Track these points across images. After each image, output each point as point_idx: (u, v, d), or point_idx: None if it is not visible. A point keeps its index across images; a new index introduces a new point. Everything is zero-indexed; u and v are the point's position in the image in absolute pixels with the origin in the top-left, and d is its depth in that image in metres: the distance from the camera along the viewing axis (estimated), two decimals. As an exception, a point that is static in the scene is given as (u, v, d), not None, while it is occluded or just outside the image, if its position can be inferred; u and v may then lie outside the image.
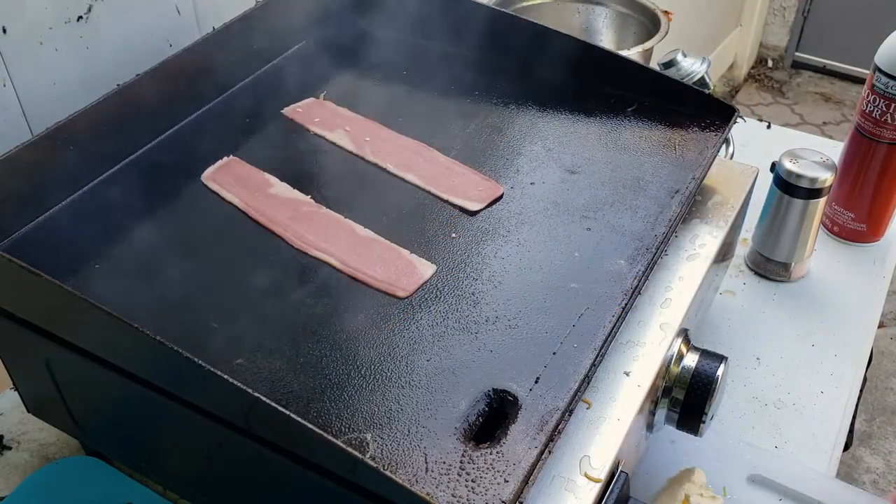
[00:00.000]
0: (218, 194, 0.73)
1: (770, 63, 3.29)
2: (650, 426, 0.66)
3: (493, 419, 0.55)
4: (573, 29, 1.28)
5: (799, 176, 0.88)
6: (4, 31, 0.72)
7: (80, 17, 0.78)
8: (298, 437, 0.51)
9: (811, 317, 0.93)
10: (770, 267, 0.96)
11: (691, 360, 0.65)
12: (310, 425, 0.48)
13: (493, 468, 0.51)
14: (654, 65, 1.03)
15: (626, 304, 0.62)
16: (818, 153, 0.90)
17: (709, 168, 0.75)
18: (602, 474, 0.55)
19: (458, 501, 0.50)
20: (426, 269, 0.66)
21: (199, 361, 0.50)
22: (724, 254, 0.77)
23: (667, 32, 1.15)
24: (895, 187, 0.97)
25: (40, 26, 0.75)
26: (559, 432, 0.53)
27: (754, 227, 0.96)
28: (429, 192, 0.74)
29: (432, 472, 0.51)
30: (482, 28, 0.88)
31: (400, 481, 0.47)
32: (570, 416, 0.55)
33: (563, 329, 0.61)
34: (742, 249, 0.99)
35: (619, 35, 1.27)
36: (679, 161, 0.76)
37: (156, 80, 0.76)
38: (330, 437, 0.48)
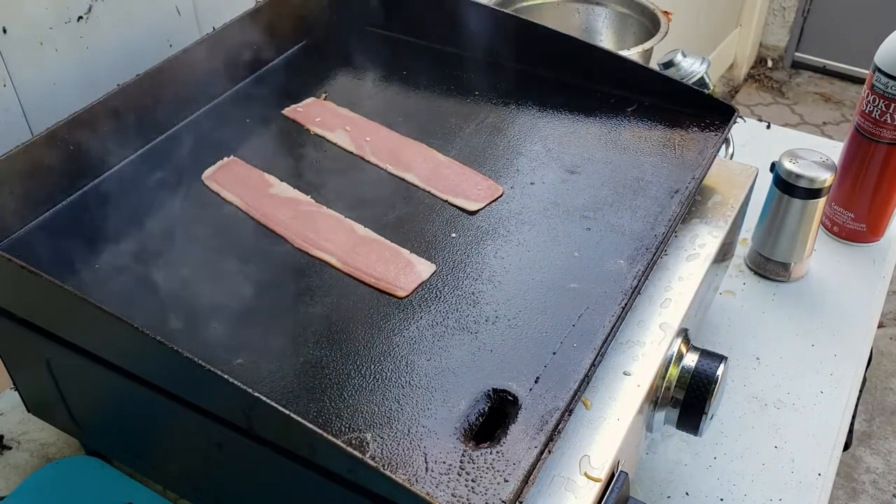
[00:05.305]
0: (218, 194, 0.73)
1: (770, 63, 3.29)
2: (650, 426, 0.66)
3: (493, 419, 0.55)
4: (573, 29, 1.28)
5: (798, 176, 0.88)
6: (4, 31, 0.72)
7: (80, 17, 0.78)
8: (298, 436, 0.51)
9: (811, 317, 0.93)
10: (770, 267, 0.96)
11: (691, 359, 0.65)
12: (310, 425, 0.48)
13: (493, 468, 0.51)
14: (653, 65, 1.03)
15: (625, 304, 0.62)
16: (818, 153, 0.90)
17: (709, 168, 0.75)
18: (602, 474, 0.55)
19: (458, 501, 0.50)
20: (426, 268, 0.66)
21: (199, 361, 0.50)
22: (724, 254, 0.77)
23: (666, 32, 1.15)
24: (895, 187, 0.97)
25: (40, 26, 0.75)
26: (559, 432, 0.53)
27: (754, 227, 0.96)
28: (429, 192, 0.74)
29: (432, 471, 0.51)
30: (482, 28, 0.88)
31: (400, 481, 0.47)
32: (570, 416, 0.55)
33: (562, 329, 0.61)
34: (742, 249, 0.99)
35: (619, 35, 1.27)
36: (679, 161, 0.76)
37: (156, 80, 0.76)
38: (330, 437, 0.48)
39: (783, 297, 0.95)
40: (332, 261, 0.67)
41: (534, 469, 0.51)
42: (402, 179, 0.75)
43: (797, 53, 3.24)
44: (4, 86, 0.74)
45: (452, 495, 0.50)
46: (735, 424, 0.81)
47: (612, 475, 0.56)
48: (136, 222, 0.70)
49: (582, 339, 0.60)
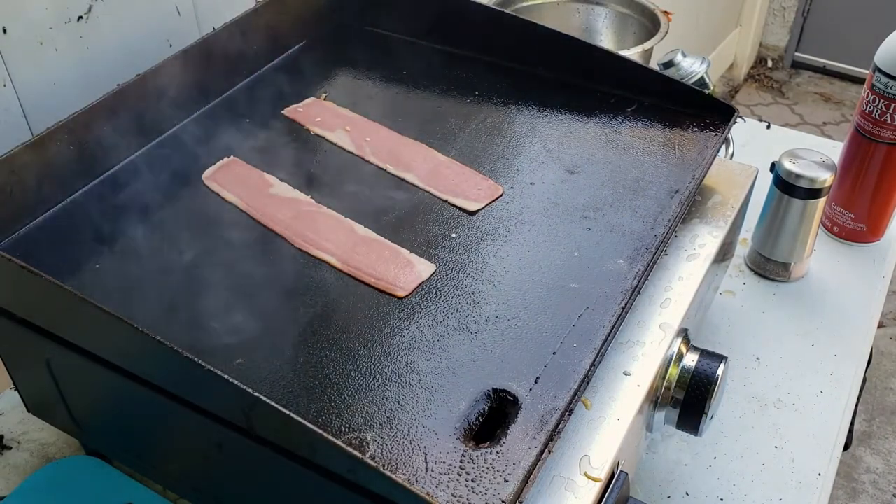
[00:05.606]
0: (218, 194, 0.73)
1: (770, 63, 3.29)
2: (650, 426, 0.66)
3: (493, 419, 0.55)
4: (573, 29, 1.28)
5: (798, 176, 0.88)
6: (4, 31, 0.72)
7: (80, 17, 0.78)
8: (298, 436, 0.51)
9: (811, 317, 0.93)
10: (770, 267, 0.96)
11: (691, 360, 0.65)
12: (310, 425, 0.48)
13: (493, 468, 0.51)
14: (653, 65, 1.03)
15: (625, 304, 0.62)
16: (818, 153, 0.90)
17: (709, 168, 0.75)
18: (602, 474, 0.55)
19: (458, 501, 0.50)
20: (425, 268, 0.66)
21: (199, 361, 0.50)
22: (724, 254, 0.77)
23: (666, 32, 1.15)
24: (895, 187, 0.97)
25: (40, 26, 0.75)
26: (559, 432, 0.53)
27: (754, 227, 0.96)
28: (429, 192, 0.74)
29: (432, 471, 0.51)
30: (482, 28, 0.88)
31: (400, 481, 0.47)
32: (570, 415, 0.55)
33: (562, 329, 0.61)
34: (742, 249, 0.99)
35: (619, 35, 1.27)
36: (679, 161, 0.76)
37: (156, 80, 0.76)
38: (330, 437, 0.48)
39: (783, 297, 0.95)
40: (332, 261, 0.67)
41: (534, 469, 0.51)
42: (402, 179, 0.75)
43: (797, 53, 3.24)
44: (4, 86, 0.74)
45: (452, 495, 0.50)
46: (735, 424, 0.81)
47: (612, 475, 0.56)
48: (136, 222, 0.70)
49: (582, 339, 0.60)
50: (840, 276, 0.98)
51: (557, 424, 0.54)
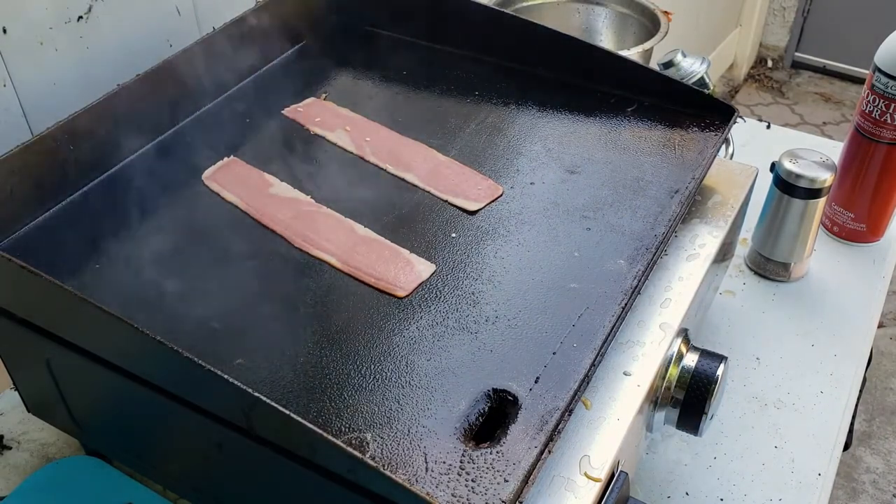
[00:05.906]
0: (218, 194, 0.73)
1: (770, 63, 3.29)
2: (650, 426, 0.66)
3: (493, 419, 0.55)
4: (573, 29, 1.28)
5: (798, 176, 0.88)
6: (4, 31, 0.72)
7: (80, 17, 0.78)
8: (298, 436, 0.51)
9: (811, 317, 0.93)
10: (770, 267, 0.96)
11: (691, 359, 0.65)
12: (310, 425, 0.48)
13: (493, 468, 0.51)
14: (653, 65, 1.03)
15: (625, 304, 0.62)
16: (818, 153, 0.90)
17: (708, 168, 0.75)
18: (602, 474, 0.55)
19: (458, 501, 0.50)
20: (425, 268, 0.66)
21: (200, 361, 0.50)
22: (724, 254, 0.77)
23: (666, 32, 1.15)
24: (895, 187, 0.97)
25: (40, 26, 0.75)
26: (559, 432, 0.53)
27: (754, 227, 0.96)
28: (429, 192, 0.74)
29: (432, 471, 0.51)
30: (482, 28, 0.88)
31: (400, 481, 0.47)
32: (570, 415, 0.55)
33: (562, 329, 0.61)
34: (742, 249, 0.99)
35: (619, 35, 1.27)
36: (679, 161, 0.76)
37: (156, 80, 0.76)
38: (330, 437, 0.48)
39: (783, 297, 0.95)
40: (332, 261, 0.67)
41: (534, 469, 0.51)
42: (402, 179, 0.75)
43: (797, 53, 3.24)
44: (4, 86, 0.74)
45: (452, 495, 0.50)
46: (735, 424, 0.81)
47: (612, 475, 0.56)
48: (137, 222, 0.70)
49: (582, 339, 0.60)
50: (840, 276, 0.98)
51: (557, 424, 0.54)
